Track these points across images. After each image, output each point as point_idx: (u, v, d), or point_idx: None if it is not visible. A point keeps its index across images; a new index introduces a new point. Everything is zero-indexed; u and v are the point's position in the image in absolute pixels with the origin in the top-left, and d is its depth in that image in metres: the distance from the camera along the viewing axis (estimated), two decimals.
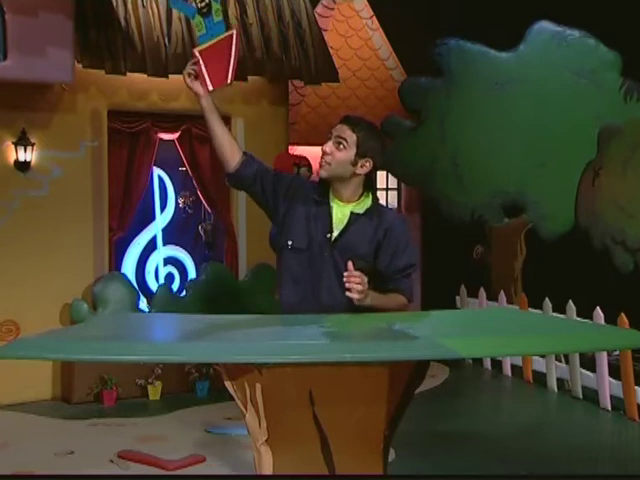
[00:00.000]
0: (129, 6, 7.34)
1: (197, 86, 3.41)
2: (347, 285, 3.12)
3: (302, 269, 3.31)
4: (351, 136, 3.33)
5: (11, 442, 6.06)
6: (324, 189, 3.40)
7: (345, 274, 3.14)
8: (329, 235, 3.31)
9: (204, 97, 3.42)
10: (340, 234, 3.32)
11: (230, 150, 3.45)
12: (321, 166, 3.37)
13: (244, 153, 3.49)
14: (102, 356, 2.58)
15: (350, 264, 3.15)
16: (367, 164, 3.34)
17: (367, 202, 3.38)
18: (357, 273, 3.12)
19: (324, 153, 3.35)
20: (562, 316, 7.05)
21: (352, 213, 3.34)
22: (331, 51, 8.48)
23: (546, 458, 5.74)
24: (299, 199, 3.39)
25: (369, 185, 3.40)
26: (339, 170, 3.34)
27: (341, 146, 3.33)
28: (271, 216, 3.47)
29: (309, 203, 3.38)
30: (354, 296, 3.12)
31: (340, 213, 3.35)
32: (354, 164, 3.33)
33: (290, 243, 3.36)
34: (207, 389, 7.45)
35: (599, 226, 7.82)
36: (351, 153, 3.32)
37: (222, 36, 3.45)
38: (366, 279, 3.14)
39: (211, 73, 3.42)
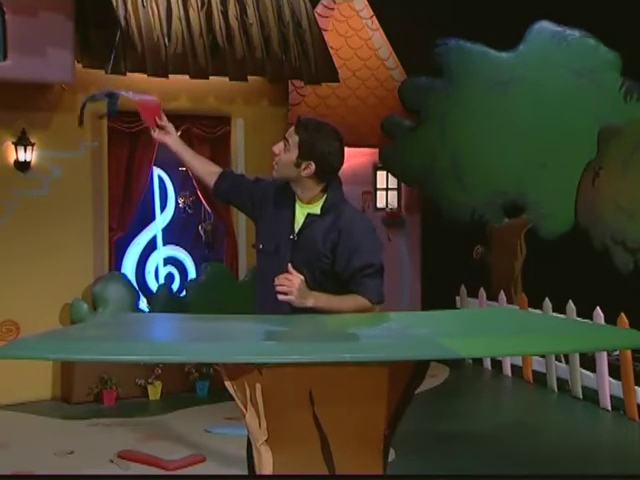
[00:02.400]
0: (129, 6, 7.34)
1: (163, 136, 3.60)
2: (276, 288, 3.14)
3: (271, 271, 3.29)
4: (294, 137, 3.31)
5: (11, 442, 6.06)
6: (292, 191, 3.39)
7: (276, 277, 3.16)
8: (291, 237, 3.32)
9: (172, 143, 3.60)
10: (297, 236, 3.32)
11: (206, 173, 3.61)
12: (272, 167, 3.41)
13: (224, 170, 3.63)
14: (102, 356, 2.58)
15: (289, 266, 3.17)
16: (310, 167, 3.29)
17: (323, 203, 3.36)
18: (285, 275, 3.14)
19: (273, 154, 3.38)
20: (562, 316, 7.05)
21: (309, 214, 3.33)
22: (331, 51, 8.47)
23: (546, 458, 5.73)
24: (273, 202, 3.42)
25: (329, 186, 3.35)
26: (285, 171, 3.34)
27: (285, 147, 3.32)
28: (253, 222, 3.54)
29: (279, 206, 3.40)
30: (281, 297, 3.13)
31: (300, 215, 3.35)
32: (297, 166, 3.30)
33: (261, 246, 3.40)
34: (207, 389, 7.45)
35: (599, 226, 7.81)
36: (293, 155, 3.30)
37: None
38: (298, 280, 3.13)
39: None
